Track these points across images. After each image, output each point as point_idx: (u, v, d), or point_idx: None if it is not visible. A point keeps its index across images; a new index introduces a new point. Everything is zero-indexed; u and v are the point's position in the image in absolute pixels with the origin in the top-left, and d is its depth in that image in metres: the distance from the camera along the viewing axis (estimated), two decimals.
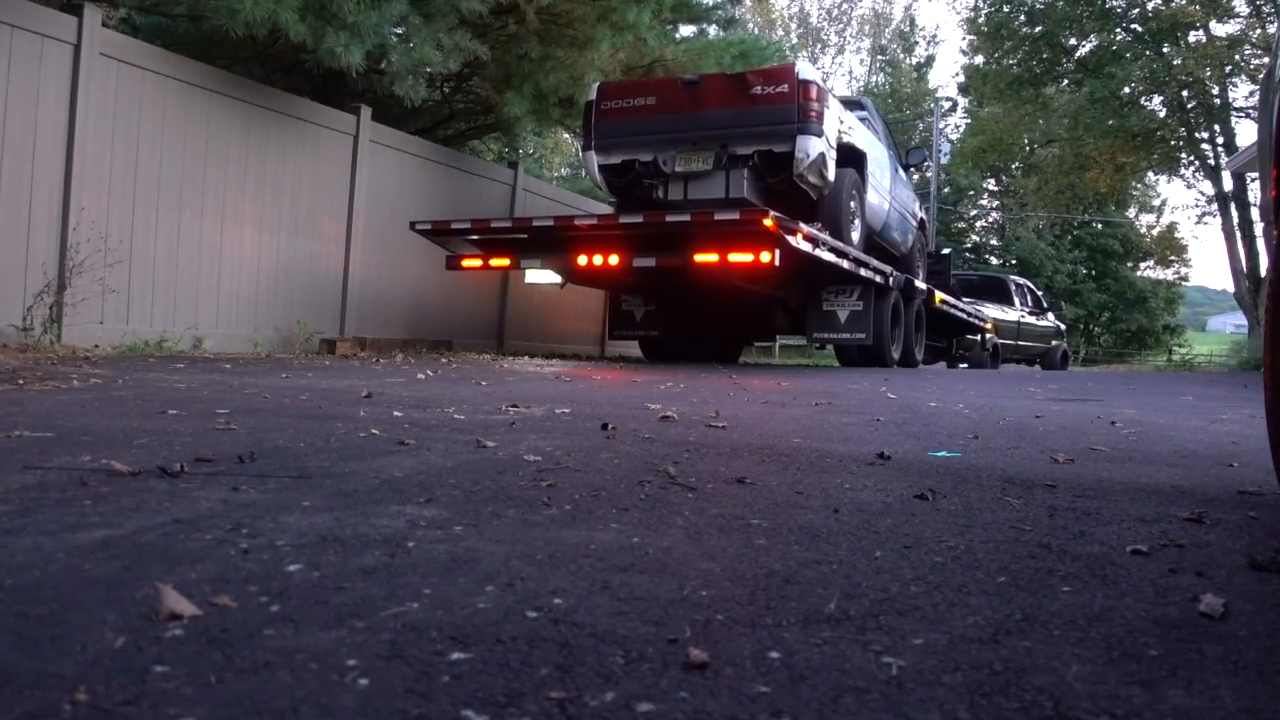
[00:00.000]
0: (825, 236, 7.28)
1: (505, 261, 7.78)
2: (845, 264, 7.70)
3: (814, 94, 7.47)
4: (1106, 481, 2.13)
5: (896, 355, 9.31)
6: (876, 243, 9.71)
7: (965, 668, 0.91)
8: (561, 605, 1.05)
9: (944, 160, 31.31)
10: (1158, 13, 17.54)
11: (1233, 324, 44.84)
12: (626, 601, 1.08)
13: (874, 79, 39.74)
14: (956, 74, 41.15)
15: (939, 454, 2.51)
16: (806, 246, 6.75)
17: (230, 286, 7.14)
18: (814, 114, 7.42)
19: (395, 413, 2.99)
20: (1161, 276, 36.99)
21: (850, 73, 41.45)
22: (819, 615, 1.06)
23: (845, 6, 41.50)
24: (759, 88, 7.47)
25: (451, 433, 2.53)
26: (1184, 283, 38.41)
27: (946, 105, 34.90)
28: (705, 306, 9.54)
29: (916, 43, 40.64)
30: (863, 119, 9.25)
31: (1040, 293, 17.82)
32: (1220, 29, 17.75)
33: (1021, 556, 1.38)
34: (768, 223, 6.24)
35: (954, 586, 1.20)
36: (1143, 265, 36.75)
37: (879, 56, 40.38)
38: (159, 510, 1.44)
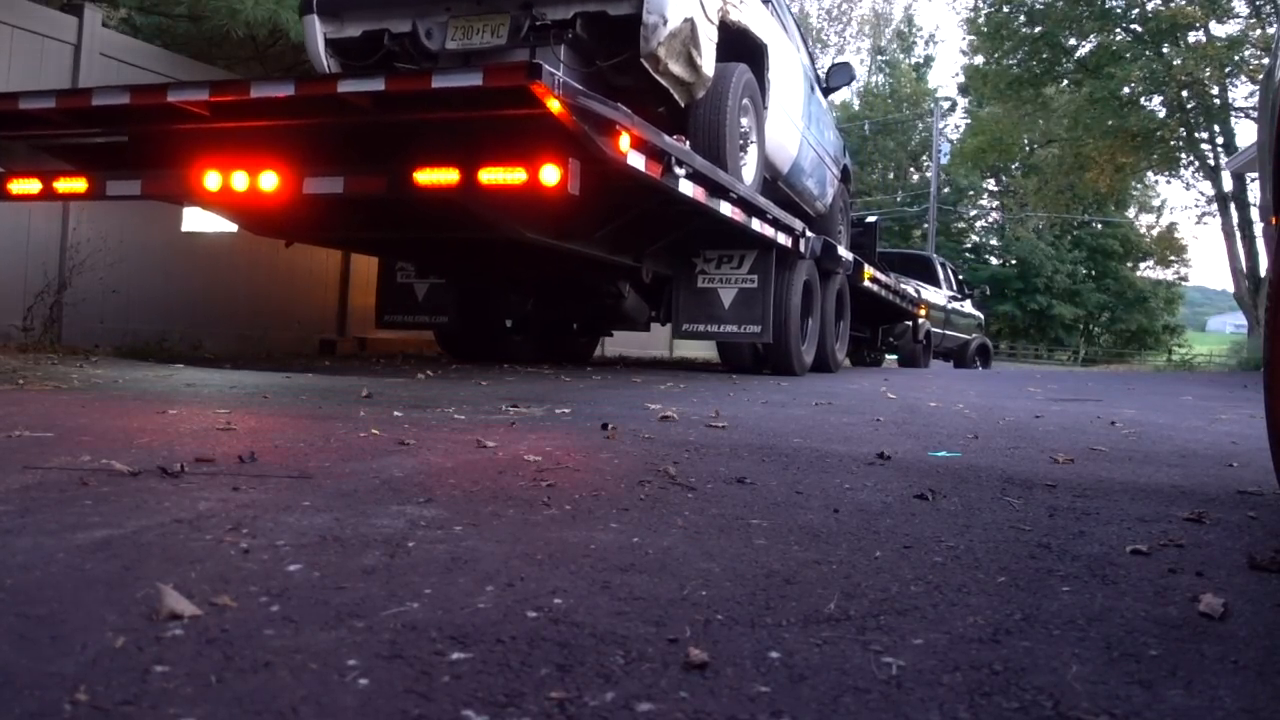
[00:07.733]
0: (683, 149, 4.27)
1: (79, 185, 4.22)
2: (725, 208, 4.78)
3: None
4: (1106, 481, 2.13)
5: (809, 357, 6.47)
6: (782, 192, 6.73)
7: (965, 668, 0.91)
8: (561, 605, 1.05)
9: (944, 160, 31.38)
10: (1157, 13, 17.54)
11: (1232, 324, 44.86)
12: (626, 601, 1.08)
13: (874, 79, 39.75)
14: (956, 74, 41.16)
15: (939, 454, 2.51)
16: (640, 163, 3.85)
17: (231, 287, 7.13)
18: None
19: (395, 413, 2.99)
20: (1161, 276, 37.12)
21: None
22: (819, 615, 1.06)
23: (845, 6, 41.45)
24: None
25: (452, 432, 2.53)
26: (1184, 283, 38.52)
27: (946, 105, 34.99)
28: (522, 280, 6.48)
29: (915, 42, 40.68)
30: (766, 2, 5.99)
31: (962, 276, 15.27)
32: (1220, 29, 17.79)
33: (1021, 556, 1.38)
34: (552, 105, 3.25)
35: (954, 586, 1.20)
36: (1142, 265, 36.86)
37: (878, 57, 40.38)
38: (159, 510, 1.44)
